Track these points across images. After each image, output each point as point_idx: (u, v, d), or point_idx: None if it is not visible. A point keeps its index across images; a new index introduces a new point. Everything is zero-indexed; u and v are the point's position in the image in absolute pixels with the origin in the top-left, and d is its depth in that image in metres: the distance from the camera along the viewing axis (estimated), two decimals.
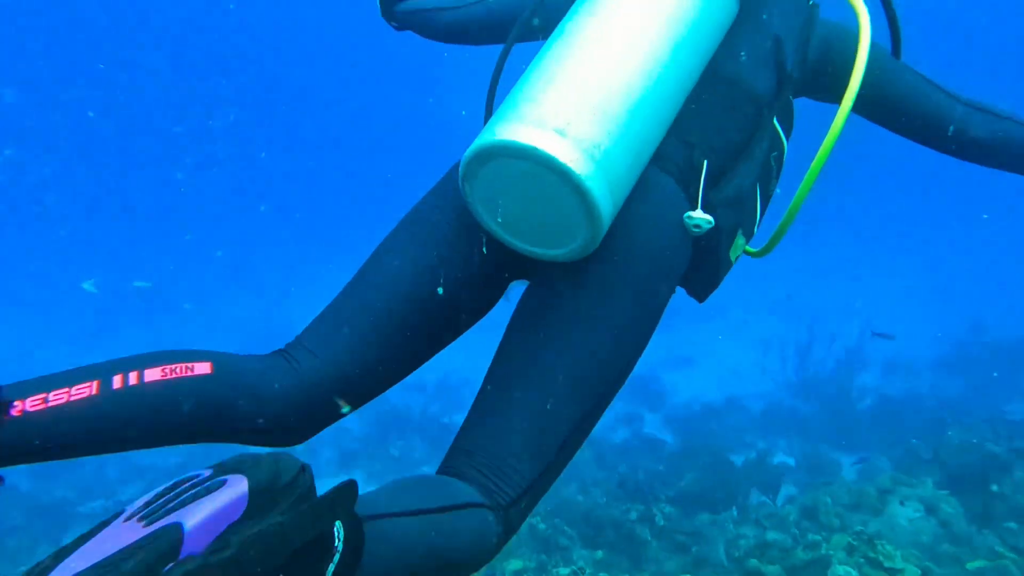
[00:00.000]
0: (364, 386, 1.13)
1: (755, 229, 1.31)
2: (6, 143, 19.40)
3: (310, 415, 1.10)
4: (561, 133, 0.97)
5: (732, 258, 1.25)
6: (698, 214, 1.11)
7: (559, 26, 1.15)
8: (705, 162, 1.16)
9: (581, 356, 1.05)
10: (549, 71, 1.05)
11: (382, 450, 5.98)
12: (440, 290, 1.14)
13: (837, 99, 1.27)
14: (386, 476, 5.65)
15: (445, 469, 1.07)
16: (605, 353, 1.07)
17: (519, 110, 1.01)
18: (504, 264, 1.18)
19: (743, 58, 1.26)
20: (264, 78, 24.39)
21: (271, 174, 24.29)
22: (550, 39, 1.14)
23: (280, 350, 1.14)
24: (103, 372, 0.93)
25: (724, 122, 1.22)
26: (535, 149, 0.96)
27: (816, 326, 7.62)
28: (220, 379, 1.00)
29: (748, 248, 1.36)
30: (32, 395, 0.87)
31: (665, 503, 4.26)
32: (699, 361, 8.39)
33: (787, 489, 4.91)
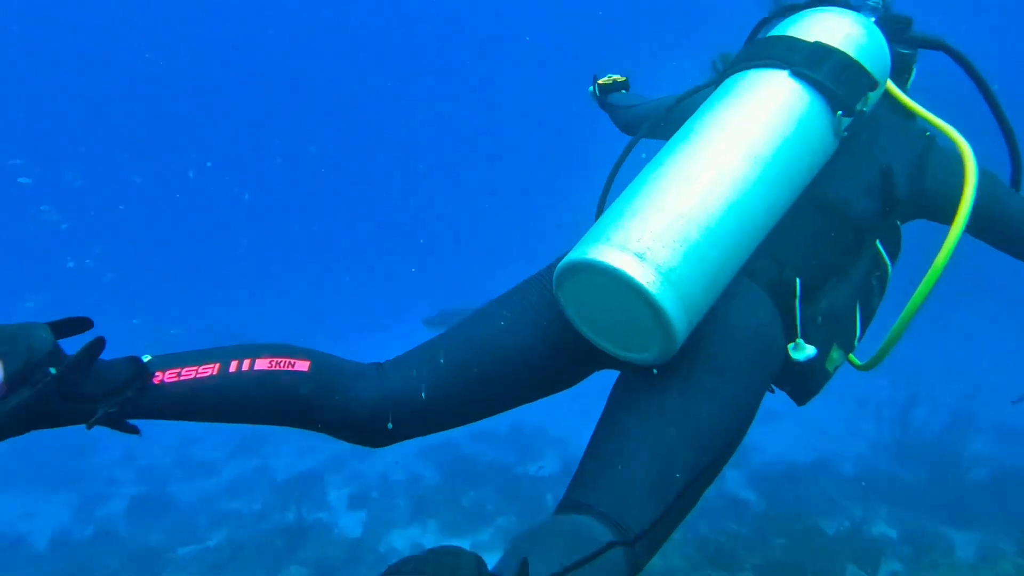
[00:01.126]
0: (437, 416, 1.28)
1: (855, 343, 1.37)
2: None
3: (382, 424, 1.25)
4: (641, 257, 1.09)
5: (829, 369, 1.31)
6: (801, 347, 1.22)
7: (659, 153, 1.27)
8: (798, 280, 1.25)
9: (658, 450, 1.13)
10: (639, 198, 1.17)
11: (454, 500, 5.94)
12: (526, 360, 1.28)
13: (948, 221, 1.31)
14: (458, 527, 5.59)
15: (566, 509, 1.15)
16: (682, 450, 1.13)
17: (608, 232, 1.14)
18: (591, 353, 1.27)
19: (846, 186, 1.34)
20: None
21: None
22: (647, 166, 1.25)
23: (377, 363, 1.31)
24: (224, 356, 1.16)
25: (819, 244, 1.31)
26: (615, 269, 1.08)
27: (917, 385, 7.11)
28: (315, 378, 1.18)
29: (853, 359, 1.44)
30: (170, 368, 1.11)
31: (750, 571, 4.00)
32: (785, 416, 7.94)
33: (890, 565, 4.50)
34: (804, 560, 4.16)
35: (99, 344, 1.04)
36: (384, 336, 7.12)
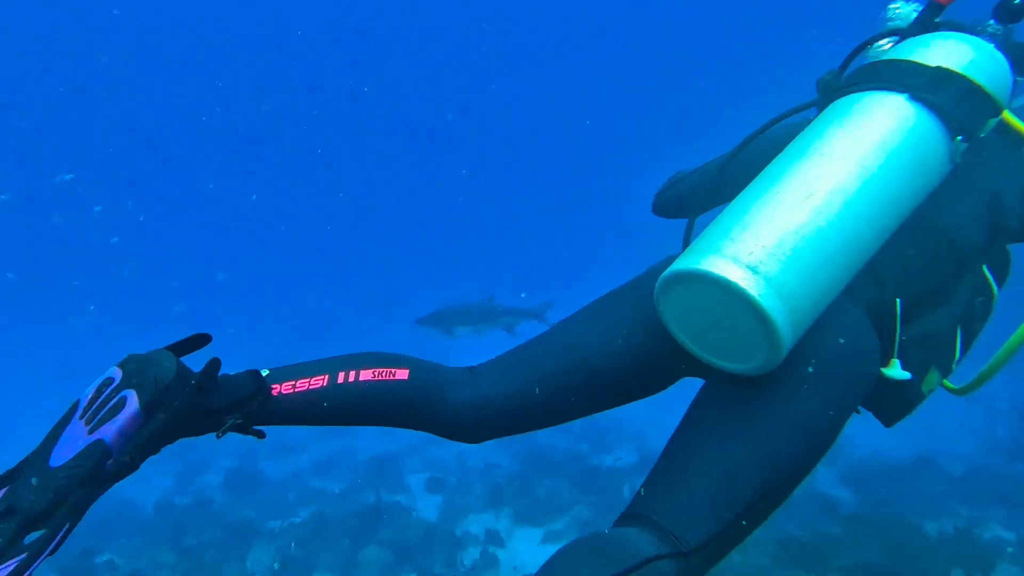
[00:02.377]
0: (528, 419, 1.37)
1: (953, 367, 1.36)
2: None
3: (477, 425, 1.37)
4: (753, 270, 1.11)
5: (924, 391, 1.31)
6: (896, 369, 1.22)
7: (770, 167, 1.28)
8: (898, 302, 1.25)
9: (727, 465, 1.15)
10: (750, 212, 1.19)
11: (529, 489, 5.91)
12: (615, 368, 1.33)
13: None
14: (532, 515, 5.57)
15: (620, 523, 1.19)
16: (753, 467, 1.15)
17: (718, 244, 1.16)
18: (681, 362, 1.32)
19: (955, 210, 1.33)
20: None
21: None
22: (756, 180, 1.26)
23: (470, 367, 1.43)
24: (332, 368, 1.29)
25: (923, 268, 1.30)
26: (727, 280, 1.10)
27: None
28: (414, 385, 1.31)
29: (948, 384, 1.43)
30: (285, 381, 1.25)
31: (837, 573, 3.74)
32: None
33: (1007, 570, 4.10)
34: (901, 564, 3.85)
35: (215, 364, 1.17)
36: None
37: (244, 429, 1.22)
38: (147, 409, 1.07)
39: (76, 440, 1.04)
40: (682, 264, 1.18)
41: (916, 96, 1.24)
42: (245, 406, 1.19)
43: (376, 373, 1.30)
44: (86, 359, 12.16)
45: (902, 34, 1.49)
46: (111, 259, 19.54)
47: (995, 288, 1.37)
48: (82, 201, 21.23)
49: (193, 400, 1.12)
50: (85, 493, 1.00)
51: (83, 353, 12.65)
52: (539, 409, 1.36)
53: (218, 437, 1.20)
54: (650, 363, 1.34)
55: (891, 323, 1.25)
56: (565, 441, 7.18)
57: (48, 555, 0.96)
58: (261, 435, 1.25)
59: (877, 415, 1.36)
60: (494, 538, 5.27)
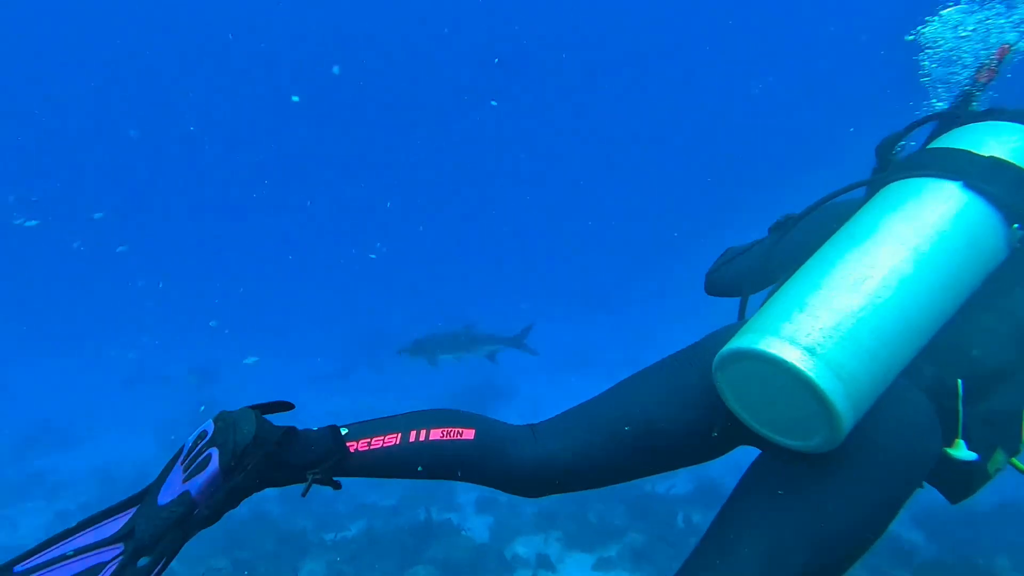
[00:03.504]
0: (586, 479, 1.41)
1: (1021, 447, 1.35)
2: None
3: (539, 483, 1.40)
4: (811, 351, 1.13)
5: (991, 471, 1.31)
6: (961, 449, 1.23)
7: (823, 249, 1.31)
8: (960, 382, 1.26)
9: (778, 542, 1.17)
10: (806, 294, 1.21)
11: (581, 513, 5.81)
12: (675, 434, 1.36)
13: None
14: (583, 540, 5.46)
15: None
16: (804, 546, 1.17)
17: (776, 324, 1.18)
18: (739, 432, 1.33)
19: (1017, 293, 1.35)
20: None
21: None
22: (812, 260, 1.30)
23: (532, 424, 1.47)
24: (405, 427, 1.38)
25: (985, 348, 1.31)
26: (786, 361, 1.12)
27: None
28: (480, 444, 1.38)
29: (1017, 463, 1.41)
30: (361, 439, 1.36)
31: None
32: None
33: None
34: None
35: (291, 433, 1.29)
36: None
37: (323, 481, 1.33)
38: (225, 470, 1.19)
39: (174, 485, 1.19)
40: (740, 343, 1.20)
41: (971, 184, 1.27)
42: (325, 463, 1.29)
43: (444, 432, 1.37)
44: (155, 369, 12.69)
45: (947, 118, 1.52)
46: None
47: None
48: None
49: (268, 462, 1.23)
50: (179, 534, 1.15)
51: (154, 365, 13.21)
52: (599, 470, 1.40)
53: (303, 495, 1.31)
54: (709, 431, 1.36)
55: (953, 403, 1.25)
56: None
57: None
58: (338, 486, 1.35)
59: (941, 491, 1.38)
60: (544, 562, 5.18)
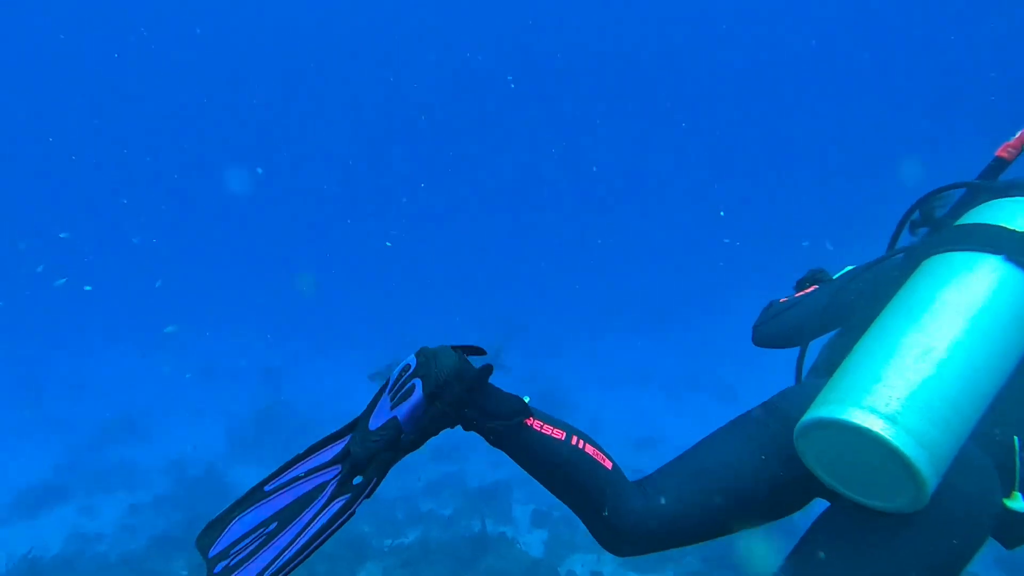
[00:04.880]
0: (678, 538, 1.47)
1: None
2: None
3: (637, 536, 1.46)
4: (892, 420, 1.23)
5: None
6: (1018, 502, 1.32)
7: (882, 320, 1.43)
8: (1016, 439, 1.37)
9: None
10: (879, 364, 1.32)
11: None
12: (762, 492, 1.45)
13: None
14: (639, 562, 5.38)
15: None
16: None
17: (856, 394, 1.29)
18: (815, 488, 1.44)
19: None
20: None
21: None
22: (876, 331, 1.41)
23: (641, 480, 1.54)
24: (569, 429, 1.49)
25: None
26: (873, 431, 1.22)
27: None
28: (612, 478, 1.46)
29: None
30: (537, 419, 1.46)
31: None
32: None
33: None
34: None
35: (487, 370, 1.40)
36: None
37: (496, 440, 1.42)
38: (429, 398, 1.30)
39: (383, 412, 1.33)
40: (823, 412, 1.30)
41: (1011, 258, 1.41)
42: (509, 420, 1.39)
43: (597, 453, 1.48)
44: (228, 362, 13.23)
45: (973, 187, 1.65)
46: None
47: None
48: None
49: (465, 397, 1.34)
50: (389, 456, 1.29)
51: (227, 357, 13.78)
52: (691, 530, 1.48)
53: (488, 439, 1.42)
54: (790, 489, 1.46)
55: (1010, 459, 1.36)
56: None
57: (364, 498, 1.28)
58: (495, 444, 1.44)
59: (997, 539, 1.43)
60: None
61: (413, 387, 1.31)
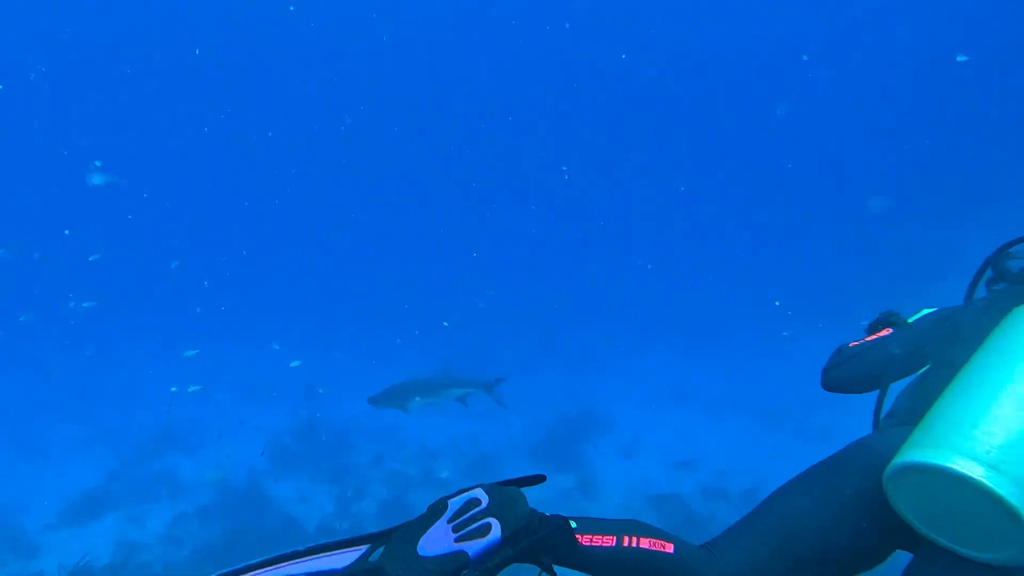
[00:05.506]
0: None
1: None
2: None
3: None
4: (994, 467, 1.20)
5: None
6: None
7: (976, 365, 1.42)
8: None
9: None
10: (976, 409, 1.31)
11: None
12: (844, 546, 1.42)
13: None
14: None
15: None
16: None
17: (952, 439, 1.27)
18: (897, 540, 1.42)
19: None
20: None
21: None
22: (968, 376, 1.41)
23: (708, 544, 1.53)
24: (619, 531, 1.45)
25: None
26: (974, 478, 1.20)
27: None
28: (677, 559, 1.44)
29: None
30: (586, 534, 1.43)
31: None
32: None
33: None
34: None
35: (562, 530, 1.38)
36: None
37: (547, 567, 1.38)
38: (505, 541, 1.26)
39: (442, 541, 1.24)
40: (920, 456, 1.28)
41: None
42: (558, 550, 1.36)
43: (652, 543, 1.45)
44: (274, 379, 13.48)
45: None
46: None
47: None
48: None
49: (537, 547, 1.32)
50: None
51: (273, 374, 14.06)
52: None
53: (542, 565, 1.37)
54: (874, 540, 1.44)
55: None
56: (724, 510, 6.76)
57: None
58: (553, 573, 1.40)
59: None
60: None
61: (489, 526, 1.24)
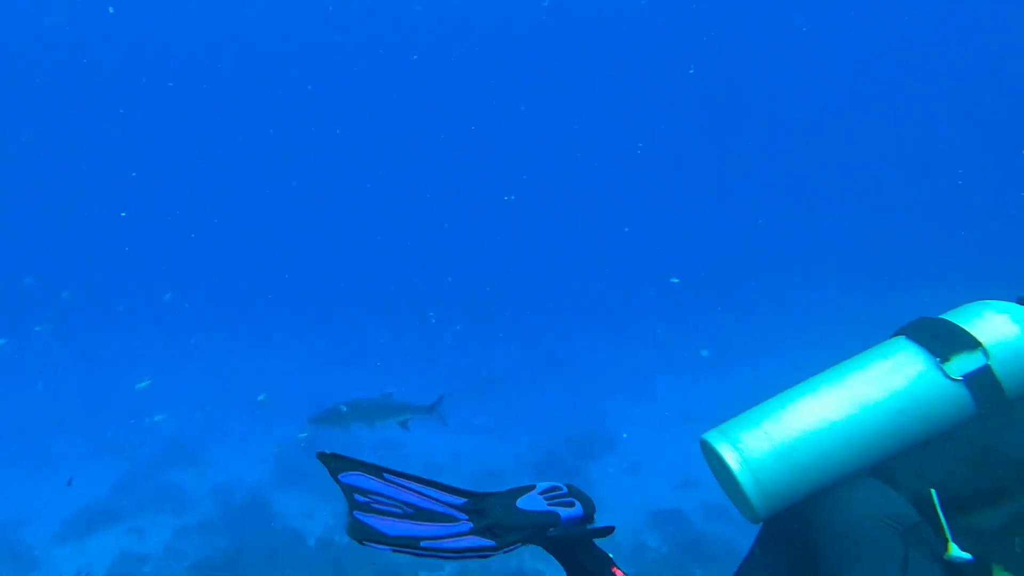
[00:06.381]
0: None
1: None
2: None
3: None
4: (734, 444, 1.58)
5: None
6: (953, 551, 1.38)
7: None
8: (933, 491, 1.45)
9: None
10: (768, 405, 1.64)
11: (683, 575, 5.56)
12: None
13: None
14: None
15: None
16: None
17: (730, 425, 1.64)
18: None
19: (1011, 434, 1.52)
20: None
21: None
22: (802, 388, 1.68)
23: None
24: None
25: (968, 474, 1.50)
26: (718, 453, 1.59)
27: None
28: None
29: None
30: (617, 568, 1.48)
31: None
32: None
33: None
34: None
35: (608, 530, 1.52)
36: None
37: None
38: (584, 518, 1.45)
39: (538, 503, 1.44)
40: (709, 434, 1.66)
41: (909, 335, 1.62)
42: (599, 564, 1.48)
43: None
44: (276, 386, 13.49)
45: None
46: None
47: None
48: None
49: (592, 536, 1.47)
50: (526, 534, 1.37)
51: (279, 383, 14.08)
52: None
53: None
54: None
55: (932, 511, 1.43)
56: (727, 530, 6.68)
57: (501, 552, 1.34)
58: None
59: None
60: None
61: (574, 503, 1.43)
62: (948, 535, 1.39)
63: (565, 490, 1.49)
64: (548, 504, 1.43)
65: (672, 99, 26.97)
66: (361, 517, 1.31)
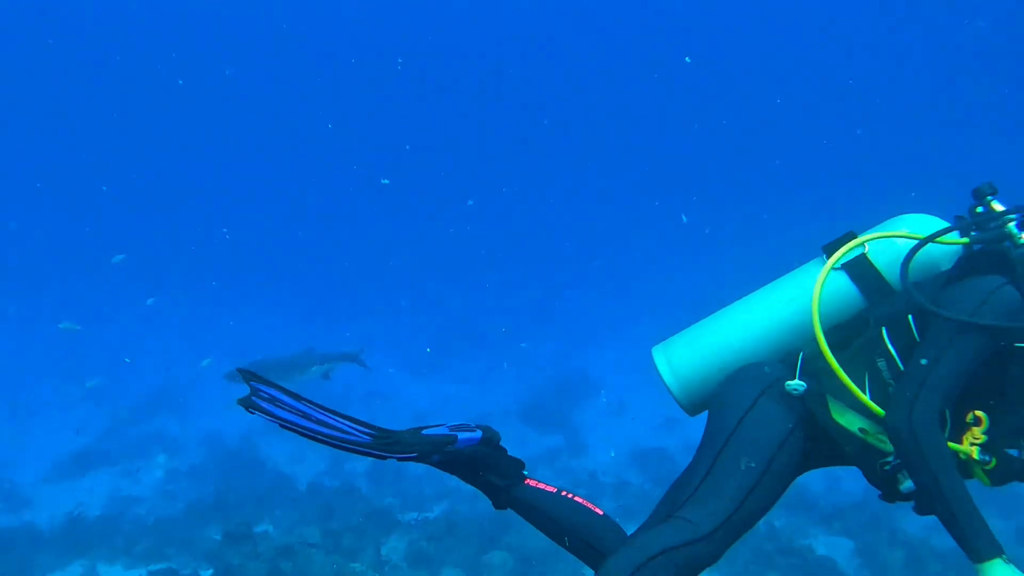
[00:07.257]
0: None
1: (853, 400, 1.67)
2: None
3: None
4: (664, 347, 1.94)
5: (842, 423, 1.66)
6: (792, 381, 1.69)
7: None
8: (800, 353, 1.76)
9: (715, 464, 1.70)
10: (704, 322, 1.95)
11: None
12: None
13: None
14: None
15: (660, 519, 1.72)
16: (718, 469, 1.69)
17: (674, 337, 1.96)
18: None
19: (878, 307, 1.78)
20: None
21: None
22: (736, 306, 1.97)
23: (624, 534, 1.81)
24: (560, 487, 1.82)
25: (831, 337, 1.71)
26: (654, 355, 1.94)
27: None
28: (605, 522, 1.77)
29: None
30: (533, 479, 1.83)
31: None
32: None
33: None
34: None
35: (522, 464, 1.84)
36: None
37: (496, 495, 1.83)
38: (483, 442, 1.76)
39: (441, 430, 1.72)
40: (658, 346, 1.97)
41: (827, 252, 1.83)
42: (509, 478, 1.81)
43: (586, 502, 1.79)
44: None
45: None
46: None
47: (892, 349, 1.69)
48: None
49: (489, 456, 1.78)
50: (428, 449, 1.66)
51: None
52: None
53: (495, 506, 1.83)
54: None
55: (795, 363, 1.74)
56: None
57: (390, 455, 1.62)
58: (501, 505, 1.83)
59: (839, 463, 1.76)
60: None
61: (475, 429, 1.75)
62: (797, 374, 1.69)
63: (473, 425, 1.77)
64: (450, 427, 1.72)
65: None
66: (260, 403, 1.54)
